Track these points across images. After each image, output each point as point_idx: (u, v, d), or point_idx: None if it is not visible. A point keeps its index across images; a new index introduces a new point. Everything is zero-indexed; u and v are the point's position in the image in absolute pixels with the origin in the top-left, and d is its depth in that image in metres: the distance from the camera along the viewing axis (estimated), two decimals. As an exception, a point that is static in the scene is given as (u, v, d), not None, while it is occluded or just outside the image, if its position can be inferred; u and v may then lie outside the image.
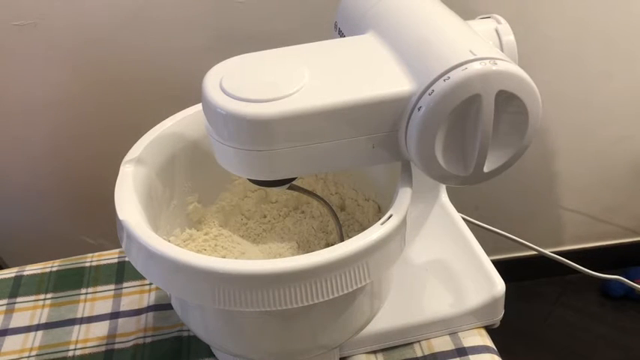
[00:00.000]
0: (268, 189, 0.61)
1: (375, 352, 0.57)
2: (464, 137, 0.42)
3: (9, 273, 0.68)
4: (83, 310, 0.63)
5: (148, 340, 0.59)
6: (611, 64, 1.10)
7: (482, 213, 1.24)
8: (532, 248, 1.31)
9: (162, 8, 0.87)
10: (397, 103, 0.41)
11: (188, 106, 0.55)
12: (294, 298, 0.40)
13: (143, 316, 0.62)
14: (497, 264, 0.60)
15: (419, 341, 0.57)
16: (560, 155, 1.22)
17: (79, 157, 1.00)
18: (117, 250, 0.70)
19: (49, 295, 0.65)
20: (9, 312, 0.63)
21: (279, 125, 0.40)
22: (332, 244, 0.41)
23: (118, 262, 0.68)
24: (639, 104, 1.18)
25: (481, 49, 0.41)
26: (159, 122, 0.54)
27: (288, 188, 0.50)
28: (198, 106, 0.54)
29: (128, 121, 0.94)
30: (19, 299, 0.65)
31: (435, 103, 0.40)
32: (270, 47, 0.47)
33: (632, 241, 1.42)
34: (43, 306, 0.64)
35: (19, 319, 0.62)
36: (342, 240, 0.54)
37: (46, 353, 0.59)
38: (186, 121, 0.54)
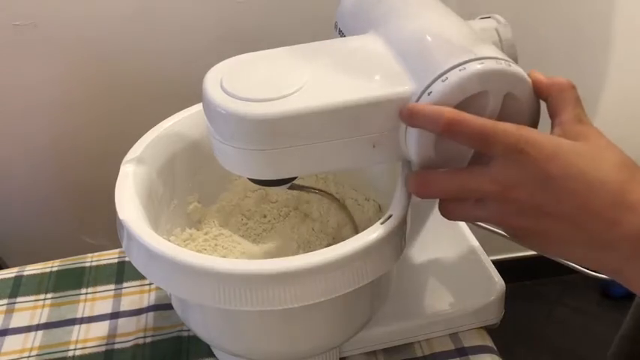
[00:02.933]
0: (268, 189, 0.61)
1: (375, 352, 0.57)
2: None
3: (9, 273, 0.68)
4: (83, 310, 0.63)
5: (148, 340, 0.59)
6: (610, 65, 1.10)
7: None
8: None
9: (162, 8, 0.87)
10: (397, 103, 0.41)
11: (188, 106, 0.55)
12: (294, 298, 0.40)
13: (143, 316, 0.62)
14: (497, 264, 0.60)
15: (419, 341, 0.57)
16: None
17: (78, 156, 1.00)
18: (117, 250, 0.70)
19: (49, 295, 0.65)
20: (9, 312, 0.63)
21: (280, 125, 0.40)
22: (332, 244, 0.41)
23: (118, 262, 0.68)
24: (639, 104, 1.18)
25: (481, 49, 0.41)
26: (159, 122, 0.54)
27: (292, 188, 0.50)
28: (199, 106, 0.54)
29: (128, 121, 0.94)
30: (19, 299, 0.65)
31: (433, 104, 0.40)
32: (270, 47, 0.47)
33: (632, 241, 1.42)
34: (43, 306, 0.64)
35: (19, 319, 0.62)
36: (357, 231, 0.54)
37: (46, 353, 0.59)
38: (186, 121, 0.54)
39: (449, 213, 0.41)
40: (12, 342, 0.60)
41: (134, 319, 0.62)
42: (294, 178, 0.48)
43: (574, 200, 0.36)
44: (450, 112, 0.38)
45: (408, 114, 0.40)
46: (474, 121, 0.37)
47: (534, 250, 0.41)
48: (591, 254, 0.37)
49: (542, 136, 0.37)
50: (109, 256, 0.69)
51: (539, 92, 0.41)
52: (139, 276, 0.65)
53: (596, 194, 0.36)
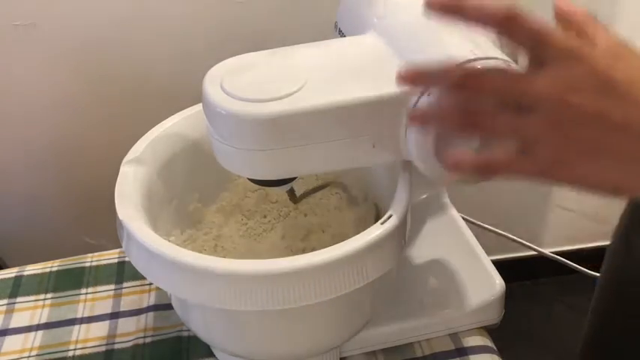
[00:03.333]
0: (268, 189, 0.61)
1: (375, 352, 0.57)
2: (463, 137, 0.42)
3: (9, 273, 0.68)
4: (83, 310, 0.63)
5: (148, 340, 0.59)
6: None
7: (482, 213, 1.23)
8: (532, 248, 1.31)
9: (162, 8, 0.87)
10: (397, 103, 0.41)
11: (188, 106, 0.55)
12: (294, 298, 0.40)
13: (143, 316, 0.62)
14: (497, 264, 0.60)
15: (419, 341, 0.57)
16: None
17: (78, 156, 0.99)
18: (117, 250, 0.70)
19: (49, 295, 0.65)
20: (9, 312, 0.63)
21: (280, 125, 0.40)
22: (332, 244, 0.41)
23: (118, 262, 0.68)
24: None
25: (481, 49, 0.41)
26: (159, 122, 0.54)
27: (296, 201, 0.50)
28: (198, 106, 0.54)
29: (128, 121, 0.94)
30: (19, 299, 0.65)
31: (433, 104, 0.39)
32: (270, 47, 0.47)
33: (631, 241, 1.42)
34: (43, 306, 0.64)
35: (19, 319, 0.62)
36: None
37: (46, 353, 0.59)
38: (186, 121, 0.54)
39: (479, 123, 0.36)
40: (12, 342, 0.60)
41: (134, 319, 0.62)
42: (295, 178, 0.48)
43: None
44: (508, 8, 0.34)
45: (456, 5, 0.35)
46: (532, 19, 0.34)
47: (585, 184, 0.35)
48: None
49: (598, 39, 0.34)
50: (109, 256, 0.69)
51: (557, 17, 0.36)
52: (139, 276, 0.65)
53: None
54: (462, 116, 0.36)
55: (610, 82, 0.32)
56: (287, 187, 0.49)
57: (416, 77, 0.36)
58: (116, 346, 0.59)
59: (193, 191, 0.57)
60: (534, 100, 0.33)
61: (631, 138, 0.33)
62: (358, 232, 0.42)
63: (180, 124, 0.54)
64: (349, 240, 0.41)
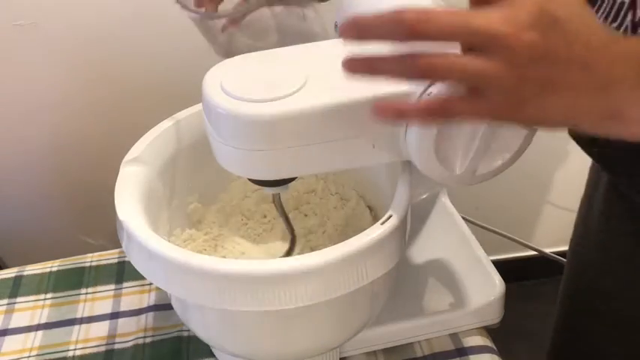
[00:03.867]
0: (268, 189, 0.61)
1: (375, 352, 0.57)
2: (463, 138, 0.42)
3: (9, 273, 0.68)
4: (83, 310, 0.63)
5: (148, 340, 0.59)
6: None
7: (482, 213, 1.24)
8: (532, 248, 1.31)
9: (162, 8, 0.87)
10: (397, 103, 0.41)
11: (188, 106, 0.55)
12: (294, 298, 0.40)
13: (143, 316, 0.62)
14: (497, 264, 0.60)
15: (419, 341, 0.57)
16: (561, 155, 1.22)
17: (79, 156, 1.00)
18: (117, 250, 0.70)
19: (49, 295, 0.65)
20: (9, 312, 0.63)
21: (280, 125, 0.40)
22: (332, 244, 0.41)
23: (118, 262, 0.68)
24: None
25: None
26: (159, 122, 0.54)
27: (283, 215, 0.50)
28: (198, 106, 0.54)
29: (128, 121, 0.94)
30: (19, 299, 0.65)
31: (434, 104, 0.39)
32: (270, 47, 0.47)
33: (631, 241, 1.42)
34: (43, 306, 0.64)
35: (19, 319, 0.62)
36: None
37: (46, 353, 0.59)
38: (186, 121, 0.54)
39: (437, 66, 0.34)
40: (12, 342, 0.60)
41: (134, 319, 0.62)
42: (294, 179, 0.48)
43: (580, 41, 0.34)
44: None
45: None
46: None
47: (536, 119, 0.36)
48: (597, 100, 0.36)
49: None
50: (109, 256, 0.69)
51: None
52: (139, 276, 0.65)
53: (594, 33, 0.35)
54: (414, 61, 0.35)
55: (554, 19, 0.34)
56: (286, 187, 0.49)
57: (361, 31, 0.35)
58: (116, 346, 0.59)
59: (193, 191, 0.57)
60: (490, 39, 0.33)
61: (576, 71, 0.34)
62: (350, 230, 0.42)
63: (180, 124, 0.54)
64: (349, 240, 0.41)
